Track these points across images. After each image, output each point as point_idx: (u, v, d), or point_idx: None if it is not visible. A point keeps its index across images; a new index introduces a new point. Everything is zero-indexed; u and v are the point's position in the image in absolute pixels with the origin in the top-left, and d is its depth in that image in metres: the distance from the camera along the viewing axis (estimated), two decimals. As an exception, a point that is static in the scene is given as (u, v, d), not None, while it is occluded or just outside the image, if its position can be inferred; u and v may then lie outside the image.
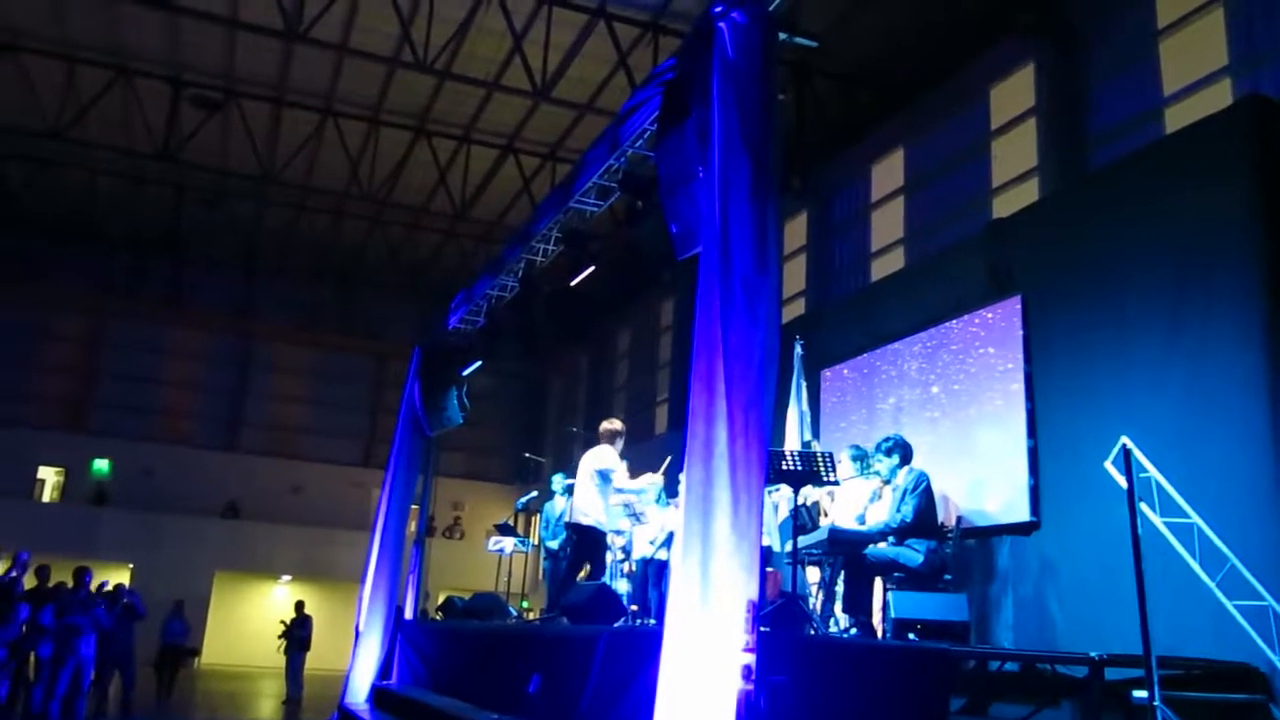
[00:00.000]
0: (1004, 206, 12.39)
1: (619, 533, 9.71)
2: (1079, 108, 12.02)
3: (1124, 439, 5.60)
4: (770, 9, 5.08)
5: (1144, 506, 5.57)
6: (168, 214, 23.29)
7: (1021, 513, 7.89)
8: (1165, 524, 5.66)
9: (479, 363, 11.24)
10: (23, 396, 25.14)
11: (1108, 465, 5.77)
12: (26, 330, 25.50)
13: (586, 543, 8.85)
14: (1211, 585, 5.52)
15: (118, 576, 19.44)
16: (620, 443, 9.14)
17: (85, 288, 25.72)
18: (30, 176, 21.50)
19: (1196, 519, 5.62)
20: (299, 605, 17.39)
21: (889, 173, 15.67)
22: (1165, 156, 7.91)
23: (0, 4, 15.26)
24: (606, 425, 9.26)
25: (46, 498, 25.49)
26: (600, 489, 8.76)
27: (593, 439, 9.40)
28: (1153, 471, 5.69)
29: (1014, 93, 13.22)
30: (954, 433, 8.88)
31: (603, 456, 8.89)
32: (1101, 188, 8.64)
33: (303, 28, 14.40)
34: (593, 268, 9.37)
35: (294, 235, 24.33)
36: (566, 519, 9.35)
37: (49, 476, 25.67)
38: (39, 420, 25.09)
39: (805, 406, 9.91)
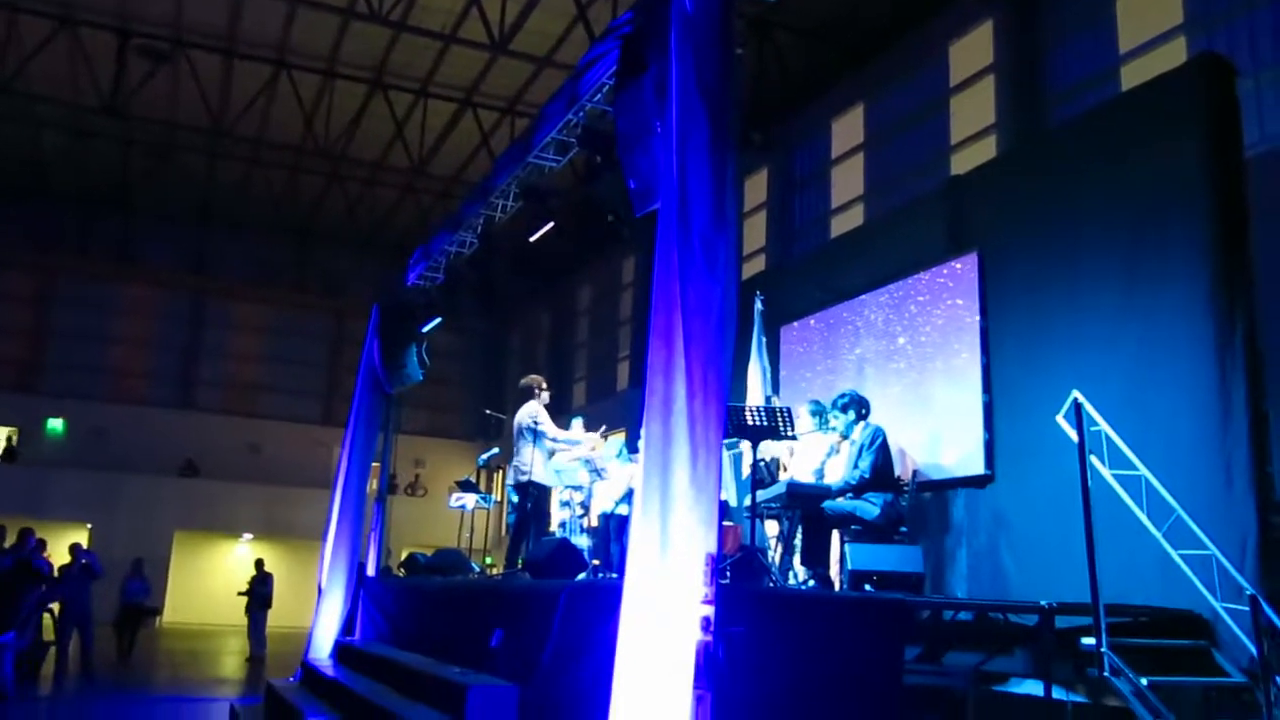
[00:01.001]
0: (962, 163, 12.44)
1: (578, 488, 9.78)
2: (1036, 65, 12.07)
3: (1075, 393, 5.70)
4: (729, -38, 5.00)
5: (1094, 459, 5.68)
6: (116, 168, 22.77)
7: (976, 466, 8.01)
8: (1114, 476, 5.77)
9: (439, 319, 11.15)
10: (-29, 356, 24.65)
11: (1059, 419, 5.87)
12: (-28, 289, 24.94)
13: (532, 498, 9.00)
14: (1158, 535, 5.64)
15: (75, 537, 19.21)
16: (542, 393, 9.42)
17: (33, 245, 25.12)
18: (-28, 131, 20.95)
19: (1144, 471, 5.73)
20: (259, 563, 17.41)
21: (849, 129, 15.66)
22: (1121, 114, 7.95)
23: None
24: (524, 381, 9.61)
25: (-2, 458, 25.09)
26: (536, 444, 9.02)
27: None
28: (1103, 425, 5.79)
29: (973, 50, 13.24)
30: (918, 385, 8.95)
31: (529, 412, 9.16)
32: (1058, 145, 8.69)
33: (254, -23, 14.09)
34: (552, 224, 9.30)
35: (248, 190, 23.87)
36: (509, 480, 9.50)
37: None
38: (-11, 380, 24.64)
39: (766, 362, 9.97)
